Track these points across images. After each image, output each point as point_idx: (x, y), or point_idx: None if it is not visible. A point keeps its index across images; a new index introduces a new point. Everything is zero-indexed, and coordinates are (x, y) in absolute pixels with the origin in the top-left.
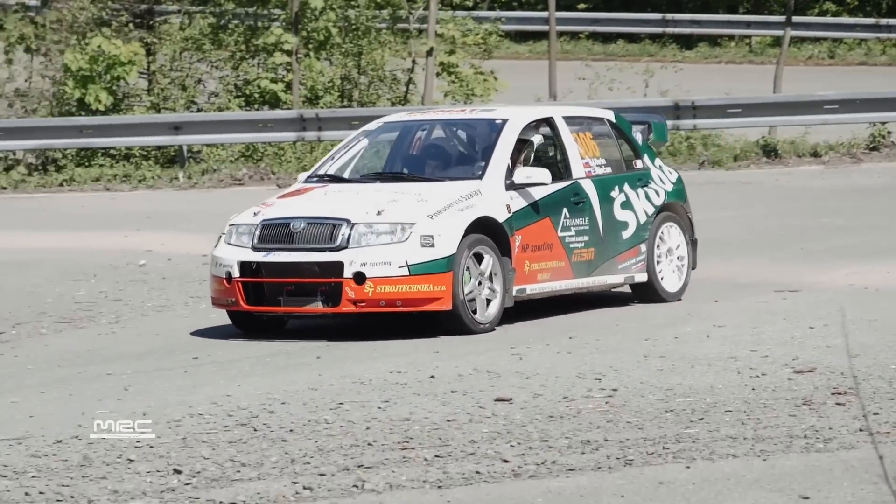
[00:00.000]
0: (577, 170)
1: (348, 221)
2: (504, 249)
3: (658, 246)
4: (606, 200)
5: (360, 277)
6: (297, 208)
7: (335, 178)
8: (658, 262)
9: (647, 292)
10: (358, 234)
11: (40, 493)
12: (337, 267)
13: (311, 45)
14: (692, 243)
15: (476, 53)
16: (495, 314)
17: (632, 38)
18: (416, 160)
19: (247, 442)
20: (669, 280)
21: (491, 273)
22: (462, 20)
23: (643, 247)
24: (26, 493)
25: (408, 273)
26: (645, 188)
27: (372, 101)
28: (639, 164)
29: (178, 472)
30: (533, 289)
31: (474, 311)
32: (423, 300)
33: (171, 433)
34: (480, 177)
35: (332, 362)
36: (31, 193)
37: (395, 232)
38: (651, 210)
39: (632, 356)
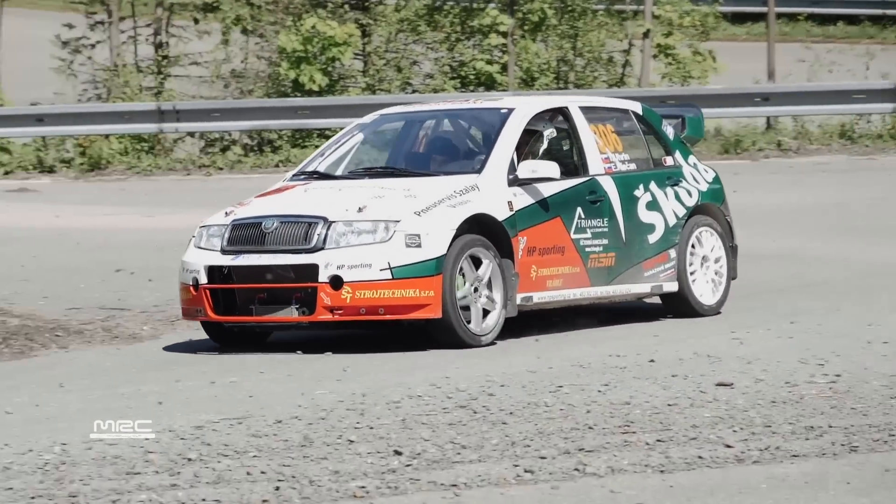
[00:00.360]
0: (595, 165)
1: (325, 220)
2: (505, 252)
3: (691, 252)
4: (629, 200)
5: (336, 282)
6: (272, 207)
7: (321, 175)
8: (691, 271)
9: (679, 304)
10: (336, 234)
11: (262, 472)
12: (311, 270)
13: (526, 27)
14: (732, 250)
15: (693, 35)
16: (493, 325)
17: (851, 20)
18: (412, 154)
19: (466, 424)
20: (704, 291)
21: (490, 278)
22: (679, 1)
23: (673, 252)
24: (248, 473)
25: (391, 276)
26: (675, 187)
27: (588, 83)
28: (669, 161)
29: (398, 453)
30: (541, 297)
31: (469, 321)
32: (408, 307)
33: (390, 414)
34: (479, 171)
35: (550, 345)
36: (247, 174)
37: (376, 231)
38: (682, 212)
39: (855, 341)
